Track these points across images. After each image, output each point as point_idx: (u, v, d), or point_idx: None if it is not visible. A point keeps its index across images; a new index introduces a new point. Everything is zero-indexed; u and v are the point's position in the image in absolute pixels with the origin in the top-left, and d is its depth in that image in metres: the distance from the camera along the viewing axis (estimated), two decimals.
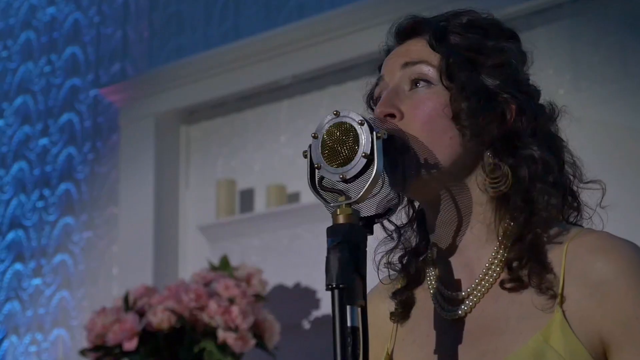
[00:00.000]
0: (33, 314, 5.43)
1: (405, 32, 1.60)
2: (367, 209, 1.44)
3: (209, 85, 4.81)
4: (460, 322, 1.54)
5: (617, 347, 1.44)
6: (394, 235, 1.62)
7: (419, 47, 1.56)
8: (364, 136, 1.41)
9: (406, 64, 1.56)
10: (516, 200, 1.50)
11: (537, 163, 1.51)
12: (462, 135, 1.51)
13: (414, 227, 1.63)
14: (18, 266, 5.53)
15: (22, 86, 5.74)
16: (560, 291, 1.46)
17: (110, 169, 5.22)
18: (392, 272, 1.64)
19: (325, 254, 1.37)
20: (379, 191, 1.43)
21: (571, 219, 1.56)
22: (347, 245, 1.37)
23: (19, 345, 5.46)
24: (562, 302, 1.46)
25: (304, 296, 4.47)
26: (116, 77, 5.29)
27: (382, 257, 1.62)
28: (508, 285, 1.50)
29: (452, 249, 1.55)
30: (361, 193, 1.40)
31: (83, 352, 4.06)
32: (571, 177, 1.56)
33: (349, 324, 1.34)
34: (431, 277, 1.59)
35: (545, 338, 1.44)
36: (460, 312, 1.53)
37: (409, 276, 1.62)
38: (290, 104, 4.71)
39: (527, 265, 1.48)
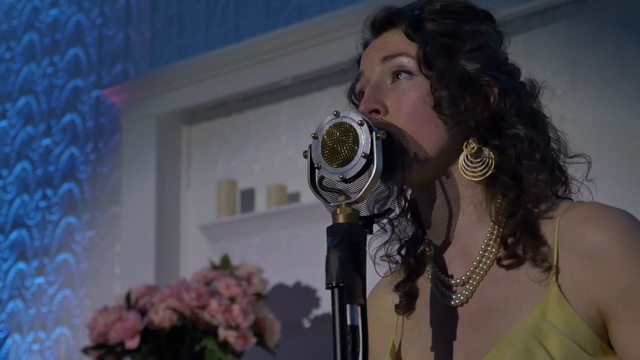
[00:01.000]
0: (36, 313, 5.43)
1: (381, 24, 1.58)
2: (363, 207, 1.44)
3: (210, 86, 4.81)
4: (462, 308, 1.53)
5: (615, 316, 1.42)
6: (387, 227, 1.61)
7: (396, 39, 1.55)
8: (364, 136, 1.41)
9: (385, 58, 1.54)
10: (504, 179, 1.50)
11: (522, 141, 1.50)
12: (445, 123, 1.50)
13: (408, 217, 1.63)
14: (21, 265, 5.53)
15: (25, 87, 5.74)
16: (555, 264, 1.45)
17: (112, 169, 5.22)
18: (392, 265, 1.63)
19: (325, 253, 1.37)
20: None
21: (559, 193, 1.55)
22: (347, 245, 1.36)
23: (22, 343, 5.46)
24: (557, 276, 1.45)
25: (304, 295, 4.47)
26: (118, 78, 5.29)
27: (377, 250, 1.62)
28: (505, 263, 1.49)
29: (448, 235, 1.55)
30: (361, 193, 1.40)
31: (85, 351, 4.06)
32: (557, 152, 1.55)
33: (348, 322, 1.34)
34: (430, 266, 1.59)
35: (543, 313, 1.43)
36: (461, 297, 1.53)
37: (409, 267, 1.61)
38: (290, 105, 4.71)
39: (521, 239, 1.48)
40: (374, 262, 1.61)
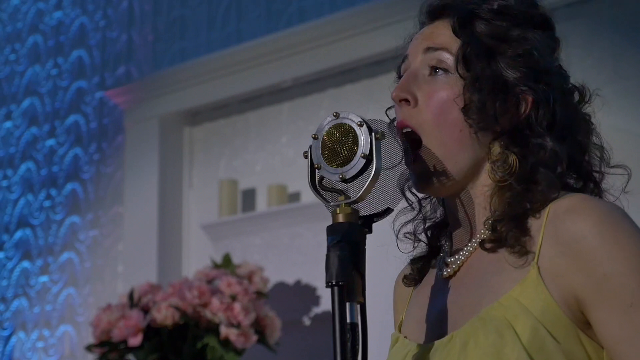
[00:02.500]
0: (40, 311, 5.43)
1: (435, 12, 1.57)
2: (372, 204, 1.44)
3: (212, 88, 4.81)
4: (451, 280, 1.55)
5: (591, 305, 1.42)
6: (415, 205, 1.62)
7: (443, 32, 1.54)
8: (363, 137, 1.41)
9: (428, 49, 1.54)
10: (513, 184, 1.49)
11: (545, 152, 1.49)
12: (470, 126, 1.50)
13: (441, 201, 1.64)
14: (26, 264, 5.53)
15: (30, 88, 5.74)
16: (538, 249, 1.45)
17: (115, 169, 5.22)
18: (415, 244, 1.65)
19: (325, 252, 1.37)
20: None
21: None
22: (346, 244, 1.37)
23: (27, 341, 5.46)
24: (538, 260, 1.44)
25: (304, 293, 4.47)
26: (121, 80, 5.29)
27: (402, 226, 1.63)
28: (487, 246, 1.49)
29: (462, 217, 1.56)
30: (360, 192, 1.40)
31: (89, 348, 4.07)
32: (597, 162, 1.55)
33: (348, 320, 1.34)
34: (445, 246, 1.61)
35: (518, 295, 1.43)
36: (450, 270, 1.55)
37: (430, 248, 1.63)
38: (290, 106, 4.71)
39: (505, 227, 1.48)
40: (397, 237, 1.62)
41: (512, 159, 1.50)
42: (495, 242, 1.49)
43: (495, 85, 1.50)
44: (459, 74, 1.51)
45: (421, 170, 1.51)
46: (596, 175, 1.56)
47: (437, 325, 1.53)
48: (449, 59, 1.52)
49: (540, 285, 1.43)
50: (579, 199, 1.46)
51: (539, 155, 1.49)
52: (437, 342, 1.49)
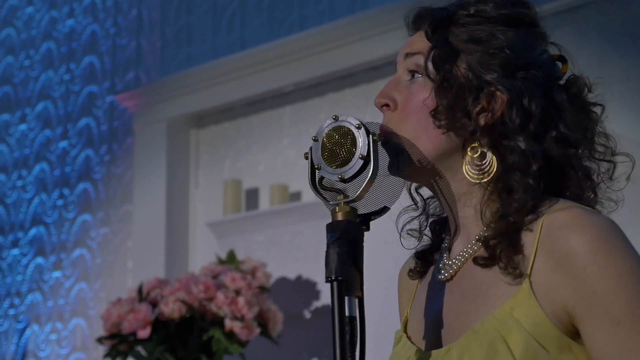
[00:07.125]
0: (53, 305, 5.42)
1: (414, 22, 1.56)
2: (370, 203, 1.43)
3: (217, 92, 4.81)
4: (448, 284, 1.52)
5: (581, 320, 1.40)
6: (420, 204, 1.60)
7: (421, 38, 1.53)
8: (361, 139, 1.41)
9: (407, 55, 1.53)
10: (497, 186, 1.47)
11: (516, 154, 1.45)
12: (439, 127, 1.47)
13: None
14: (39, 260, 5.53)
15: (43, 93, 5.74)
16: (531, 263, 1.42)
17: (125, 169, 5.22)
18: (420, 242, 1.62)
19: (325, 248, 1.37)
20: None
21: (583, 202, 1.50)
22: (345, 241, 1.36)
23: (40, 333, 5.46)
24: (531, 274, 1.42)
25: (305, 288, 4.47)
26: (131, 85, 5.29)
27: (405, 223, 1.60)
28: (481, 262, 1.46)
29: (456, 221, 1.53)
30: (358, 192, 1.40)
31: (100, 340, 4.07)
32: (601, 150, 1.51)
33: (347, 314, 1.34)
34: (445, 239, 1.58)
35: (511, 309, 1.41)
36: (445, 274, 1.52)
37: (433, 242, 1.61)
38: (292, 110, 4.70)
39: (500, 244, 1.45)
40: (400, 235, 1.60)
41: (489, 156, 1.47)
42: (489, 259, 1.46)
43: (464, 85, 1.47)
44: (428, 76, 1.49)
45: (396, 156, 1.48)
46: (597, 164, 1.52)
47: (435, 331, 1.51)
48: (423, 62, 1.50)
49: (532, 299, 1.41)
50: (573, 214, 1.42)
51: (510, 157, 1.46)
52: (434, 352, 1.48)
